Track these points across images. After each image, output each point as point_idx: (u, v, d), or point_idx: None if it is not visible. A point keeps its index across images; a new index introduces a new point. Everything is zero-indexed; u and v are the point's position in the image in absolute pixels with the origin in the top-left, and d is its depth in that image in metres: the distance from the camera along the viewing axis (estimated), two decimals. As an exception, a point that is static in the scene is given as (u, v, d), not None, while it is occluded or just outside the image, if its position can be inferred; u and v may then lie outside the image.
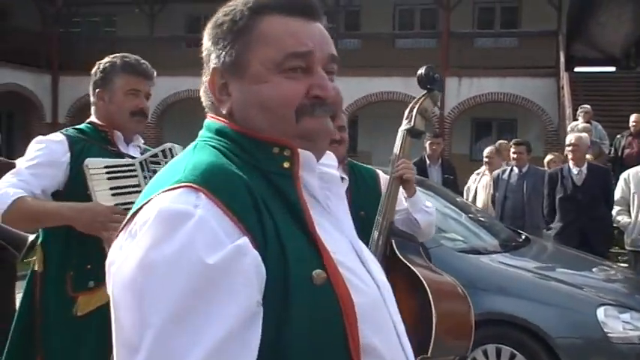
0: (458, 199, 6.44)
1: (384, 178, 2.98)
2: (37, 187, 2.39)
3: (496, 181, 7.65)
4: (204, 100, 1.17)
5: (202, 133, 1.14)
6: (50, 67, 20.71)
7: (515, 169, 7.52)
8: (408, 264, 2.71)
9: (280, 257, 0.96)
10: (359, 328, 0.99)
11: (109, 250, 2.37)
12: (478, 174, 8.50)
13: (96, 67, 2.62)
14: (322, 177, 1.14)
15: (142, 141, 2.77)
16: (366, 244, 2.82)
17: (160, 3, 20.84)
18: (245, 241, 0.93)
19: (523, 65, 17.53)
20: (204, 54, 1.16)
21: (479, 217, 6.10)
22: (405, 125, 2.95)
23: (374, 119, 17.53)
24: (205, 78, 1.15)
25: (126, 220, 1.02)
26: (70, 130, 2.60)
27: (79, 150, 2.48)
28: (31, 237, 2.17)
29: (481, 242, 5.41)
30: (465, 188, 8.57)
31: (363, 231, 2.88)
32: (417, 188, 2.98)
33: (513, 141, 7.93)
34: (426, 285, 2.63)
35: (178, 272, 0.89)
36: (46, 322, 2.45)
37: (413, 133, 2.94)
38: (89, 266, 2.43)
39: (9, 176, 2.39)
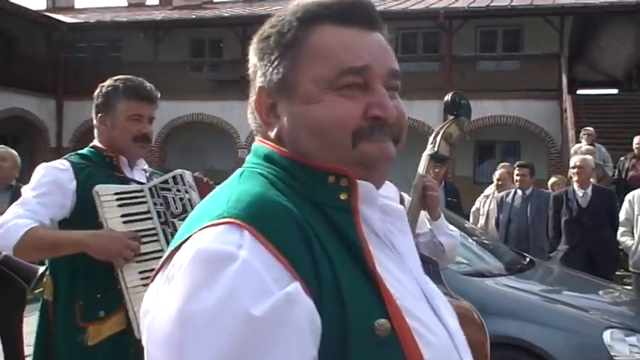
0: (462, 222, 6.43)
1: (405, 198, 2.95)
2: (45, 216, 2.35)
3: (500, 204, 7.63)
4: (252, 121, 1.04)
5: (249, 159, 1.01)
6: (55, 92, 20.83)
7: (519, 192, 7.50)
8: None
9: (338, 305, 0.82)
10: None
11: (122, 276, 2.35)
12: (487, 196, 8.45)
13: (98, 89, 2.59)
14: (384, 210, 1.00)
15: (146, 165, 2.74)
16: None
17: (164, 28, 21.03)
18: (296, 287, 0.80)
19: (525, 88, 17.60)
20: (250, 71, 1.04)
21: (483, 240, 6.08)
22: (429, 150, 2.95)
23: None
24: (251, 98, 1.02)
25: (163, 259, 0.90)
26: (74, 157, 2.57)
27: (85, 177, 2.45)
28: (41, 269, 2.16)
29: (485, 265, 5.39)
30: (473, 210, 8.51)
31: None
32: None
33: (517, 163, 7.93)
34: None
35: (220, 326, 0.77)
36: (58, 351, 2.43)
37: (436, 158, 2.94)
38: (99, 295, 2.40)
39: (16, 207, 2.36)
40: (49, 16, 22.50)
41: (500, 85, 18.02)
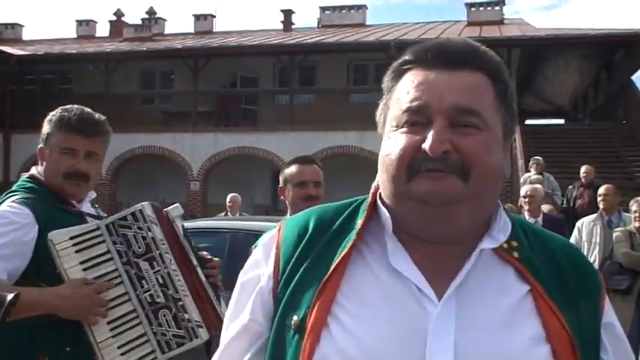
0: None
1: None
2: (3, 271, 2.10)
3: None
4: None
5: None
6: (2, 126, 20.39)
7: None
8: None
9: (286, 294, 1.04)
10: None
11: (90, 332, 2.19)
12: None
13: (47, 119, 2.39)
14: (486, 252, 1.02)
15: (95, 194, 2.52)
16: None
17: (114, 60, 20.86)
18: (269, 271, 1.07)
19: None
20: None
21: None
22: None
23: (329, 173, 17.60)
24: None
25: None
26: (23, 196, 2.31)
27: (45, 220, 2.23)
28: (9, 296, 1.97)
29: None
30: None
31: None
32: None
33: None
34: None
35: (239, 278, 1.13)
36: None
37: None
38: (68, 349, 2.20)
39: None
40: (-4, 48, 22.12)
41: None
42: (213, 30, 26.96)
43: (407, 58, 1.05)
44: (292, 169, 3.10)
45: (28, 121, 16.77)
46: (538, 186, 7.39)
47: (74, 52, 22.07)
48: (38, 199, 2.31)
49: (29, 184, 2.39)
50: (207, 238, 4.70)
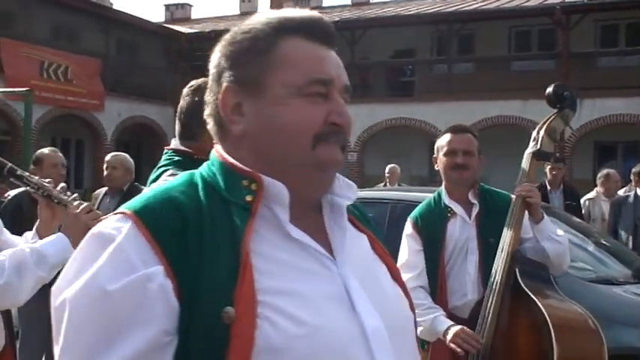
0: (585, 226, 6.12)
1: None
2: None
3: (617, 208, 7.19)
4: (210, 122, 1.14)
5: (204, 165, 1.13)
6: (173, 100, 21.71)
7: (641, 195, 7.03)
8: (530, 294, 2.58)
9: (195, 290, 0.93)
10: None
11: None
12: (591, 199, 8.02)
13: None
14: (332, 207, 1.12)
15: None
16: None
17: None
18: (158, 269, 0.93)
19: (652, 84, 16.62)
20: (212, 72, 1.13)
21: (608, 245, 5.75)
22: (531, 147, 2.84)
23: (490, 144, 17.14)
24: (210, 96, 1.12)
25: None
26: (178, 171, 2.42)
27: None
28: None
29: (611, 271, 5.10)
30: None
31: (490, 257, 2.78)
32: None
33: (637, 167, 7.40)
34: (546, 316, 2.47)
35: (82, 304, 0.93)
36: None
37: (539, 156, 2.82)
38: None
39: None
40: (168, 28, 23.56)
41: (623, 81, 17.10)
42: (371, 1, 26.92)
43: (288, 23, 1.09)
44: (443, 138, 3.09)
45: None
46: None
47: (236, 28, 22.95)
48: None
49: (176, 157, 2.52)
50: (369, 208, 4.72)
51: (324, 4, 27.85)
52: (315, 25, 1.11)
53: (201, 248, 0.95)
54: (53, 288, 0.99)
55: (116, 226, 0.97)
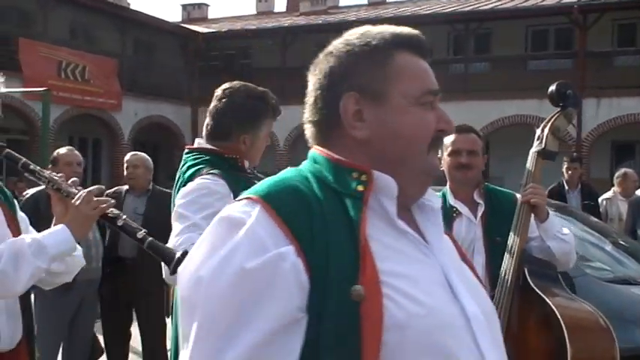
0: (603, 226, 6.06)
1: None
2: None
3: (635, 208, 7.11)
4: (313, 126, 1.20)
5: (305, 163, 1.19)
6: (190, 99, 21.82)
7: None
8: (540, 293, 2.57)
9: (325, 267, 0.99)
10: (389, 349, 0.98)
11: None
12: (608, 199, 7.94)
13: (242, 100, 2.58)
14: (422, 207, 1.20)
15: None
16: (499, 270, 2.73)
17: (291, 35, 21.49)
18: (289, 249, 0.99)
19: (670, 84, 16.47)
20: (319, 81, 1.20)
21: (626, 245, 5.70)
22: (536, 147, 2.83)
23: (506, 143, 17.06)
24: (319, 104, 1.19)
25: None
26: (212, 170, 2.47)
27: (235, 189, 2.35)
28: (179, 252, 2.12)
29: (629, 271, 5.06)
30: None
31: (497, 257, 2.78)
32: (556, 214, 2.82)
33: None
34: (559, 316, 2.46)
35: (220, 280, 0.98)
36: None
37: (545, 155, 2.81)
38: None
39: (191, 233, 2.27)
40: (185, 27, 23.66)
41: (641, 81, 16.96)
42: (387, 0, 26.87)
43: (399, 38, 1.17)
44: (447, 138, 3.07)
45: (212, 95, 17.79)
46: None
47: (254, 27, 23.04)
48: (225, 170, 2.47)
49: (206, 156, 2.55)
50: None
51: (341, 4, 27.85)
52: (419, 41, 1.19)
53: (325, 231, 1.02)
54: (180, 269, 1.06)
55: (245, 210, 1.04)
